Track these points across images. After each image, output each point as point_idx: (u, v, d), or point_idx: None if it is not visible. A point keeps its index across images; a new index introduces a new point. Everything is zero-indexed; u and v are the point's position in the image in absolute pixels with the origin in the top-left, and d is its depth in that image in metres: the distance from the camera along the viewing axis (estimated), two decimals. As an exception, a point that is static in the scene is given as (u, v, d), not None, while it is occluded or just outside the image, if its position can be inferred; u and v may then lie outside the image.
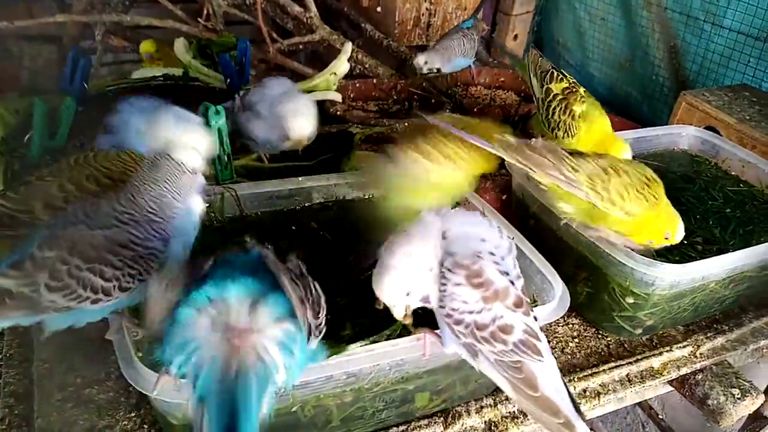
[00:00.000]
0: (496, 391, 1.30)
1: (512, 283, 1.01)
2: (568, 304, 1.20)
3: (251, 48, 2.12)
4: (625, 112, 2.75)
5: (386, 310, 1.06)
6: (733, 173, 1.88)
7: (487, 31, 3.29)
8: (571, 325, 1.52)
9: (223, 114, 1.57)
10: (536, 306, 1.18)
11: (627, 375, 1.41)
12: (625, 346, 1.47)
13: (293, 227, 1.48)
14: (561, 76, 1.72)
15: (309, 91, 2.20)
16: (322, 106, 2.22)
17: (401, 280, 1.01)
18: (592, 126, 1.63)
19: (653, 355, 1.44)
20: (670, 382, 1.48)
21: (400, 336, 1.12)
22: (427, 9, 2.94)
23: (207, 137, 1.33)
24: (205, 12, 2.62)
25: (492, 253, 1.02)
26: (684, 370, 1.44)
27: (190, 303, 0.87)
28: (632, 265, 1.31)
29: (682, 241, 1.38)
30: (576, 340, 1.48)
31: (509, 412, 1.28)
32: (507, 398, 1.29)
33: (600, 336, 1.50)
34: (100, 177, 1.12)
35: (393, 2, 2.87)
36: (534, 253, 1.31)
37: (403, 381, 1.12)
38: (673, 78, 2.67)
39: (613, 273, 1.38)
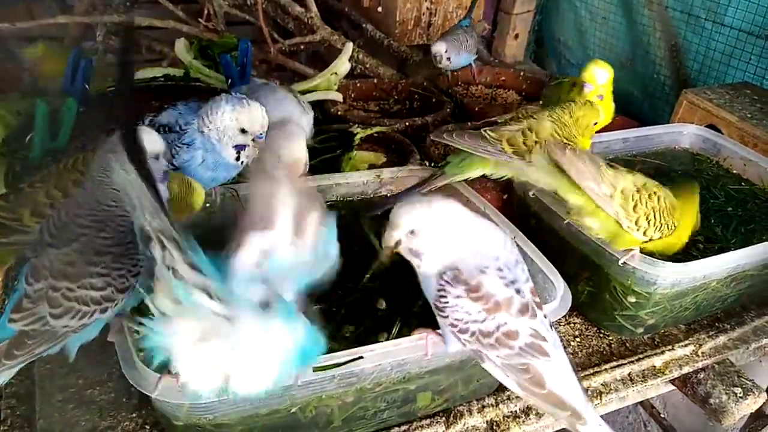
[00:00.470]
0: (498, 390, 1.30)
1: (518, 291, 1.00)
2: (570, 304, 1.20)
3: (252, 48, 2.12)
4: (627, 110, 2.74)
5: (387, 309, 1.06)
6: (734, 171, 1.88)
7: (488, 30, 3.28)
8: (572, 325, 1.52)
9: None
10: (538, 305, 1.17)
11: (629, 374, 1.40)
12: (627, 345, 1.47)
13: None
14: None
15: (310, 91, 2.21)
16: (323, 105, 2.22)
17: (417, 217, 1.00)
18: None
19: (655, 354, 1.44)
20: (672, 381, 1.48)
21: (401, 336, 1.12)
22: (427, 9, 2.94)
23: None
24: (205, 12, 2.62)
25: (499, 269, 1.01)
26: (686, 369, 1.44)
27: None
28: (634, 264, 1.31)
29: (683, 240, 1.38)
30: (578, 339, 1.48)
31: (511, 412, 1.28)
32: (509, 398, 1.29)
33: (602, 335, 1.50)
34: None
35: (394, 2, 2.87)
36: (535, 253, 1.31)
37: (405, 381, 1.12)
38: (675, 76, 2.67)
39: (614, 272, 1.38)
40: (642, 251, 1.34)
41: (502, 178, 1.54)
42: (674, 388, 1.51)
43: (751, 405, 1.45)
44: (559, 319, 1.31)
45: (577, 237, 1.44)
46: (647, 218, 1.28)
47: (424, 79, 2.56)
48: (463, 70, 2.61)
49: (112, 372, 1.25)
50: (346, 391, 1.07)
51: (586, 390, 1.04)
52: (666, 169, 1.86)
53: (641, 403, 2.41)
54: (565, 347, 1.38)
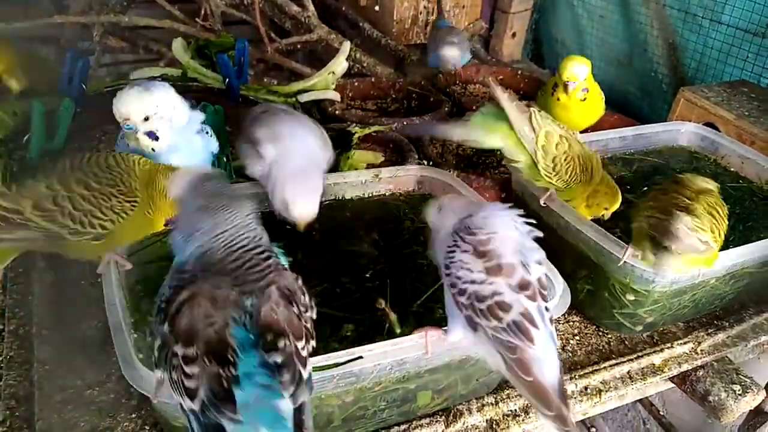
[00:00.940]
0: (498, 389, 1.30)
1: (525, 266, 1.01)
2: (569, 302, 1.20)
3: (249, 48, 2.12)
4: (625, 109, 2.74)
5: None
6: (732, 169, 1.88)
7: (486, 29, 3.28)
8: (571, 323, 1.52)
9: (222, 114, 1.57)
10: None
11: (628, 372, 1.41)
12: (626, 343, 1.47)
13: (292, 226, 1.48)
14: None
15: (307, 91, 2.21)
16: (321, 105, 2.22)
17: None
18: None
19: (654, 351, 1.44)
20: (671, 379, 1.48)
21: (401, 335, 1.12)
22: (425, 7, 2.94)
23: None
24: (202, 12, 2.62)
25: (515, 225, 1.06)
26: (685, 367, 1.44)
27: None
28: (632, 262, 1.31)
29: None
30: (577, 337, 1.48)
31: (510, 411, 1.28)
32: (508, 396, 1.29)
33: (601, 333, 1.50)
34: (90, 182, 1.12)
35: (391, 1, 2.87)
36: (534, 251, 1.31)
37: (405, 380, 1.12)
38: (672, 74, 2.67)
39: (613, 270, 1.38)
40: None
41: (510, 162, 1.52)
42: (673, 385, 1.51)
43: (750, 402, 1.45)
44: (559, 317, 1.31)
45: (576, 235, 1.44)
46: (565, 162, 1.42)
47: (421, 78, 2.56)
48: (462, 69, 2.61)
49: (112, 373, 1.25)
50: (346, 391, 1.07)
51: (567, 401, 1.01)
52: (664, 168, 1.86)
53: (640, 400, 2.41)
54: (560, 351, 1.39)
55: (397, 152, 2.01)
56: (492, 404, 1.27)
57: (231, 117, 1.73)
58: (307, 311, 0.92)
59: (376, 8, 2.97)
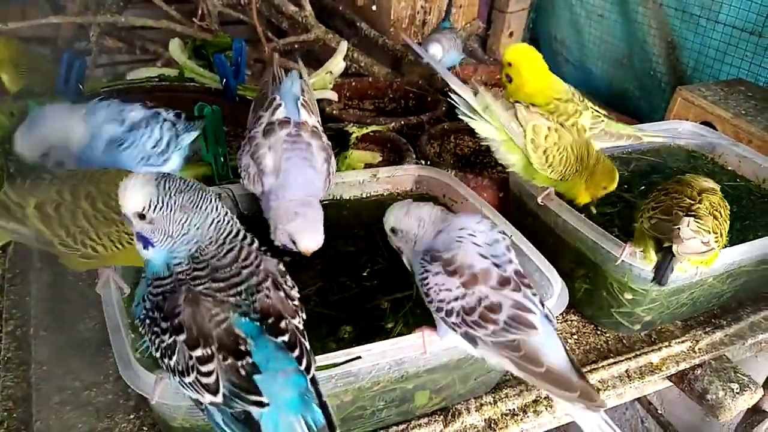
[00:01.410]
0: (496, 389, 1.30)
1: (497, 265, 1.02)
2: (567, 301, 1.20)
3: (246, 48, 2.12)
4: (623, 107, 2.74)
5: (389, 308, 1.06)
6: (729, 168, 1.88)
7: (483, 29, 3.28)
8: (569, 322, 1.52)
9: (219, 114, 1.57)
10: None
11: (626, 371, 1.41)
12: (624, 342, 1.48)
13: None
14: None
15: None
16: (318, 105, 2.22)
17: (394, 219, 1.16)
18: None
19: (652, 350, 1.45)
20: (669, 378, 1.48)
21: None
22: (422, 7, 2.94)
23: None
24: (199, 12, 2.62)
25: (473, 235, 1.05)
26: (683, 366, 1.44)
27: None
28: (630, 261, 1.31)
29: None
30: (575, 336, 1.48)
31: (509, 410, 1.28)
32: (507, 396, 1.29)
33: (599, 332, 1.50)
34: (98, 200, 1.08)
35: (388, 1, 2.87)
36: (532, 251, 1.31)
37: (403, 380, 1.12)
38: (670, 73, 2.67)
39: (611, 269, 1.38)
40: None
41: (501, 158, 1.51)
42: (671, 384, 1.51)
43: (747, 400, 1.46)
44: (557, 316, 1.31)
45: (574, 234, 1.44)
46: (557, 153, 1.42)
47: (419, 78, 2.56)
48: (459, 68, 2.61)
49: (109, 374, 1.24)
50: (345, 391, 1.07)
51: (581, 372, 1.02)
52: (662, 166, 1.86)
53: (638, 399, 2.41)
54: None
55: (394, 152, 2.01)
56: (490, 403, 1.27)
57: (228, 117, 1.73)
58: (291, 290, 0.96)
59: (373, 8, 2.97)
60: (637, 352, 1.44)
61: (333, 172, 1.44)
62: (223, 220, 0.94)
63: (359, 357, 1.03)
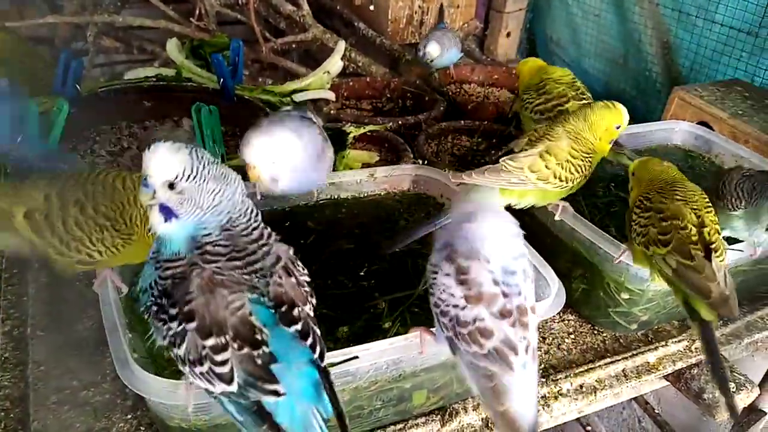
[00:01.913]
0: (493, 388, 1.30)
1: (505, 295, 0.99)
2: (564, 301, 1.20)
3: (244, 47, 2.12)
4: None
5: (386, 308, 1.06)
6: (726, 168, 1.89)
7: (480, 29, 3.29)
8: (566, 322, 1.53)
9: (217, 114, 1.57)
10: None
11: (623, 370, 1.41)
12: (621, 341, 1.48)
13: (287, 225, 1.48)
14: None
15: (302, 90, 2.20)
16: (316, 104, 2.22)
17: None
18: None
19: (649, 350, 1.45)
20: (666, 377, 1.48)
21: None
22: (419, 7, 2.94)
23: None
24: (197, 12, 2.62)
25: (490, 270, 1.00)
26: (679, 365, 1.44)
27: None
28: (627, 262, 1.32)
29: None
30: (572, 336, 1.49)
31: (506, 409, 1.28)
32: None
33: (596, 332, 1.50)
34: (88, 206, 1.07)
35: (386, 0, 2.87)
36: (529, 250, 1.31)
37: (400, 379, 1.12)
38: (666, 74, 2.68)
39: (608, 269, 1.39)
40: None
41: (526, 206, 1.47)
42: (668, 383, 1.51)
43: (744, 400, 1.46)
44: (554, 316, 1.31)
45: (571, 234, 1.45)
46: (564, 170, 1.39)
47: (416, 78, 2.56)
48: (446, 69, 2.61)
49: (107, 373, 1.24)
50: (342, 390, 1.07)
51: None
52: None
53: (635, 399, 2.42)
54: (554, 350, 1.39)
55: (392, 151, 2.01)
56: (488, 403, 1.28)
57: (226, 117, 1.72)
58: (302, 276, 0.95)
59: (371, 7, 2.97)
60: (634, 352, 1.44)
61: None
62: (245, 198, 0.94)
63: (357, 357, 1.03)
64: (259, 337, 0.84)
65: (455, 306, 0.99)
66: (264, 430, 0.83)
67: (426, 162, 1.93)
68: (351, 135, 1.92)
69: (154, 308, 0.88)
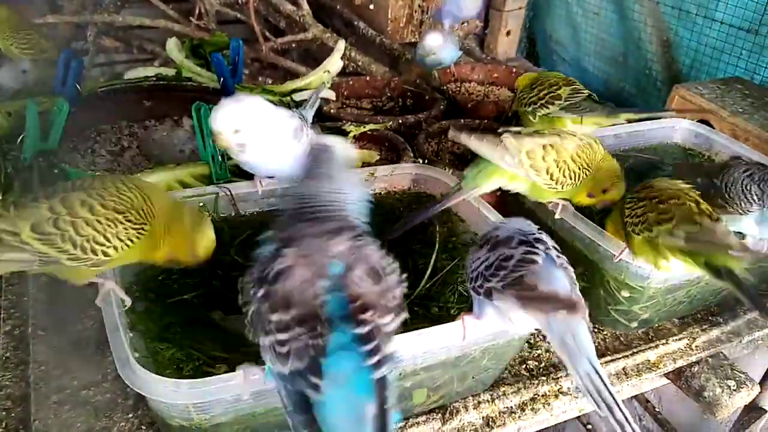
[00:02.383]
0: (494, 386, 1.31)
1: (521, 232, 1.11)
2: (564, 299, 1.20)
3: (244, 47, 2.12)
4: (619, 106, 2.74)
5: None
6: (717, 165, 1.88)
7: (480, 28, 3.29)
8: (567, 320, 1.53)
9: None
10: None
11: (623, 368, 1.41)
12: (621, 339, 1.48)
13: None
14: None
15: (302, 90, 2.20)
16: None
17: None
18: None
19: (649, 348, 1.45)
20: (666, 375, 1.48)
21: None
22: (419, 6, 2.94)
23: None
24: (197, 11, 2.62)
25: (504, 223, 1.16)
26: (680, 363, 1.45)
27: None
28: (627, 260, 1.32)
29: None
30: (572, 334, 1.48)
31: (506, 408, 1.28)
32: (504, 394, 1.29)
33: (596, 330, 1.50)
34: (95, 205, 1.06)
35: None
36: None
37: (401, 378, 1.12)
38: (667, 72, 2.68)
39: (608, 267, 1.39)
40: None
41: (513, 191, 1.47)
42: (668, 381, 1.52)
43: (744, 398, 1.46)
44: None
45: (571, 233, 1.45)
46: (559, 170, 1.37)
47: (416, 77, 2.56)
48: (457, 67, 2.61)
49: (108, 372, 1.25)
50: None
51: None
52: (658, 164, 1.87)
53: (636, 397, 2.42)
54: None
55: (392, 150, 2.01)
56: (488, 401, 1.28)
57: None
58: (394, 286, 0.92)
59: (371, 7, 2.97)
60: (635, 350, 1.44)
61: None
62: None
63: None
64: (320, 328, 0.82)
65: (481, 263, 1.08)
66: (302, 421, 0.81)
67: (426, 161, 1.93)
68: (351, 134, 1.92)
69: (260, 277, 0.88)
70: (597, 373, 0.98)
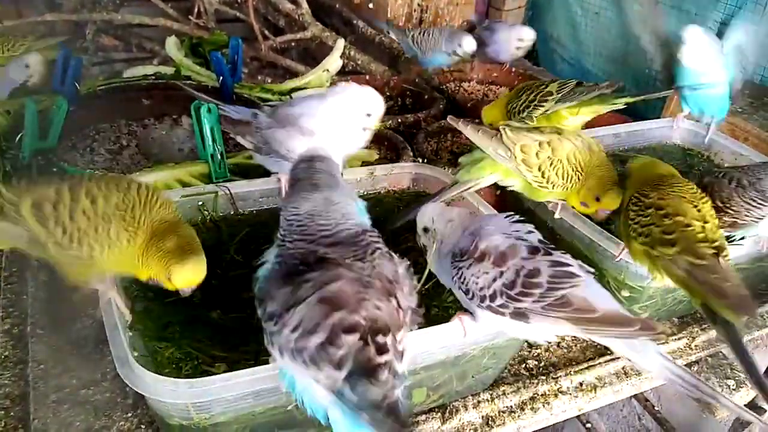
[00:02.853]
0: (494, 386, 1.31)
1: (521, 239, 1.05)
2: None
3: (243, 45, 2.12)
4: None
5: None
6: (725, 166, 1.89)
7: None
8: (566, 319, 1.53)
9: (216, 113, 1.57)
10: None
11: (623, 368, 1.41)
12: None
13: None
14: None
15: (301, 89, 2.20)
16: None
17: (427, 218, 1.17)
18: None
19: (649, 347, 1.45)
20: (666, 375, 1.48)
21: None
22: (419, 5, 2.94)
23: None
24: (196, 10, 2.62)
25: (494, 224, 1.09)
26: (679, 362, 1.44)
27: None
28: (627, 259, 1.32)
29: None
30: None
31: (506, 407, 1.28)
32: (504, 393, 1.29)
33: (595, 329, 1.50)
34: (98, 197, 1.04)
35: (385, -2, 2.87)
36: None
37: (400, 377, 1.12)
38: (666, 72, 2.67)
39: (608, 266, 1.39)
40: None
41: (509, 188, 1.46)
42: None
43: (743, 397, 1.46)
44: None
45: (571, 232, 1.45)
46: (552, 168, 1.35)
47: (416, 76, 2.56)
48: (456, 66, 2.61)
49: (107, 372, 1.24)
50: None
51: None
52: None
53: (635, 396, 2.41)
54: (554, 347, 1.39)
55: (391, 149, 2.01)
56: (488, 401, 1.28)
57: (225, 115, 1.72)
58: (407, 300, 0.92)
59: (370, 5, 2.97)
60: (634, 349, 1.44)
61: None
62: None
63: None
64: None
65: (494, 280, 1.01)
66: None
67: (425, 160, 1.93)
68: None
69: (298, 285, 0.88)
70: (671, 362, 0.99)
